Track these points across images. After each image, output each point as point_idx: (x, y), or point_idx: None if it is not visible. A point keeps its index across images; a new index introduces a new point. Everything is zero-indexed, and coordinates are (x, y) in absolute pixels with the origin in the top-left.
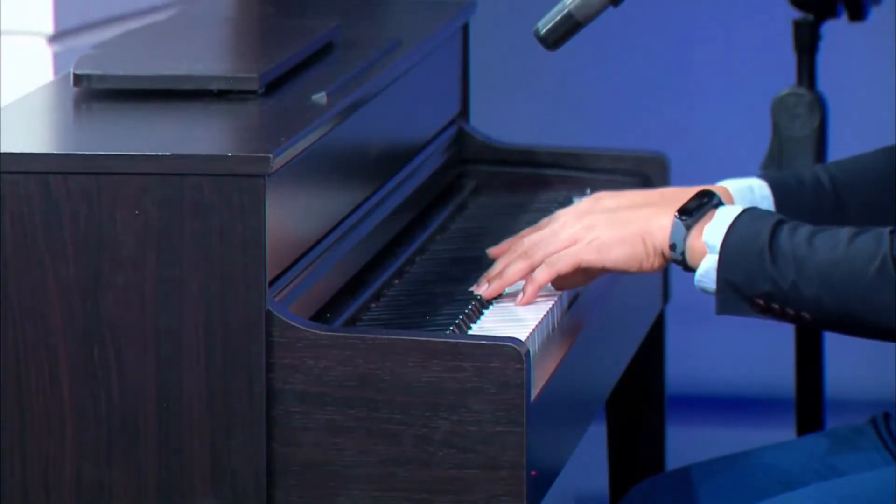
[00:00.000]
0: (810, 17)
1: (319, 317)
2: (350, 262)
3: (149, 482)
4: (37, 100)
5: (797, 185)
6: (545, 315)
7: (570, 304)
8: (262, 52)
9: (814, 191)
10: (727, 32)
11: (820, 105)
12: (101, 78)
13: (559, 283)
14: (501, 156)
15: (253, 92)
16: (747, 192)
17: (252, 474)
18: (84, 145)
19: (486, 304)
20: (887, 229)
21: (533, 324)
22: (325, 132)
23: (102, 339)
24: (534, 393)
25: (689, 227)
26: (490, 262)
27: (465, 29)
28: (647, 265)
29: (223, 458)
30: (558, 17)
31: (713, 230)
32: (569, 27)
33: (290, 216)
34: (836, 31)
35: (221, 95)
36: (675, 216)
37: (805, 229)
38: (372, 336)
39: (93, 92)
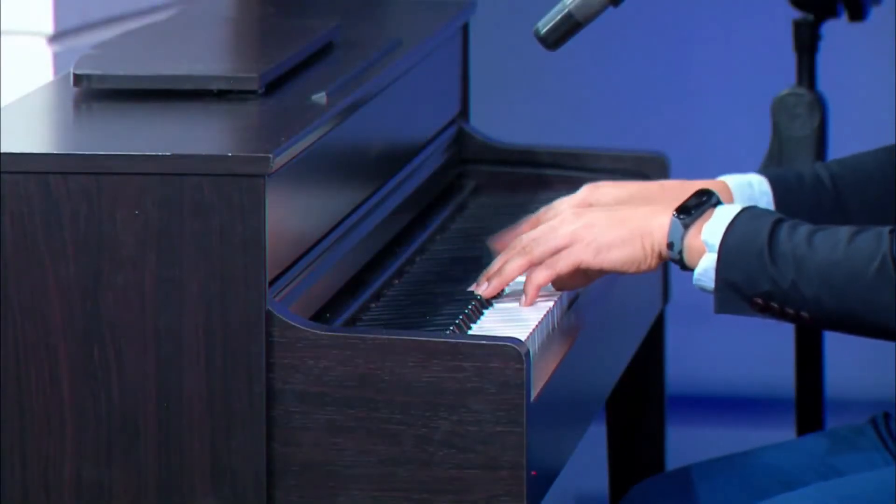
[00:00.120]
0: (810, 17)
1: (319, 317)
2: (350, 262)
3: (149, 482)
4: (37, 100)
5: (797, 183)
6: (545, 315)
7: (570, 304)
8: (262, 52)
9: (814, 188)
10: (727, 32)
11: (820, 105)
12: (101, 78)
13: (559, 284)
14: (501, 156)
15: (253, 92)
16: (746, 187)
17: (252, 474)
18: (84, 145)
19: (486, 304)
20: (887, 228)
21: (533, 324)
22: (325, 132)
23: (102, 339)
24: (534, 393)
25: (686, 226)
26: (490, 262)
27: (465, 29)
28: (644, 266)
29: (223, 458)
30: (558, 17)
31: (712, 229)
32: (569, 27)
33: (290, 216)
34: (836, 31)
35: (221, 95)
36: (674, 215)
37: (804, 228)
38: (372, 336)
39: (93, 92)
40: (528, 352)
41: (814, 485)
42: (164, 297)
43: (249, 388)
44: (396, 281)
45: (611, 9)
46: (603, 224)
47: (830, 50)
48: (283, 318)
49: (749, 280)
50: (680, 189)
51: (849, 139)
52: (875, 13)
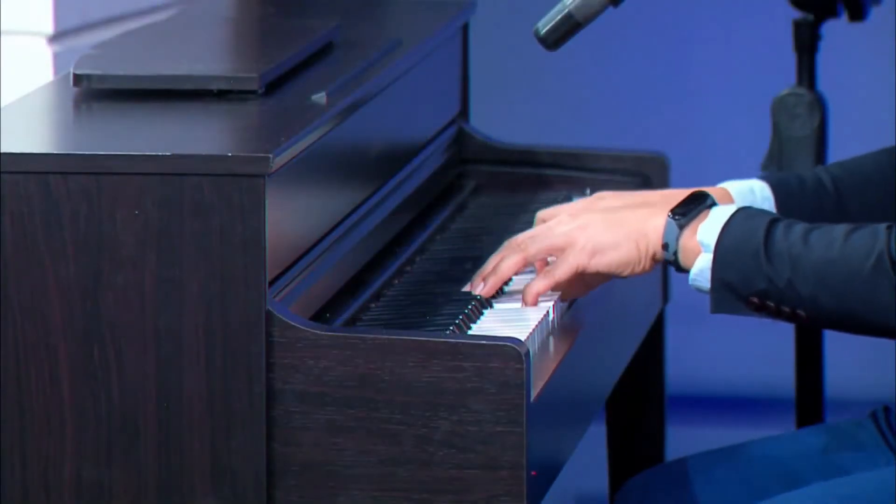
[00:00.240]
0: (810, 17)
1: (319, 317)
2: (350, 262)
3: (149, 482)
4: (37, 100)
5: (799, 187)
6: (545, 315)
7: (570, 304)
8: (262, 52)
9: (815, 192)
10: (727, 32)
11: (820, 105)
12: (101, 78)
13: (557, 291)
14: (501, 156)
15: (253, 92)
16: (748, 193)
17: (252, 474)
18: (84, 145)
19: (485, 304)
20: (883, 225)
21: (533, 324)
22: (325, 132)
23: (102, 339)
24: (534, 393)
25: (682, 227)
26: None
27: (465, 29)
28: (638, 269)
29: (223, 458)
30: (558, 18)
31: (707, 229)
32: (569, 27)
33: (290, 216)
34: (836, 31)
35: (221, 95)
36: (669, 216)
37: (800, 227)
38: (372, 336)
39: (93, 92)
40: (528, 352)
41: (814, 484)
42: (164, 297)
43: (249, 388)
44: (396, 281)
45: (611, 9)
46: (598, 226)
47: (830, 50)
48: (283, 318)
49: (745, 279)
50: (682, 197)
51: (849, 139)
52: (875, 13)
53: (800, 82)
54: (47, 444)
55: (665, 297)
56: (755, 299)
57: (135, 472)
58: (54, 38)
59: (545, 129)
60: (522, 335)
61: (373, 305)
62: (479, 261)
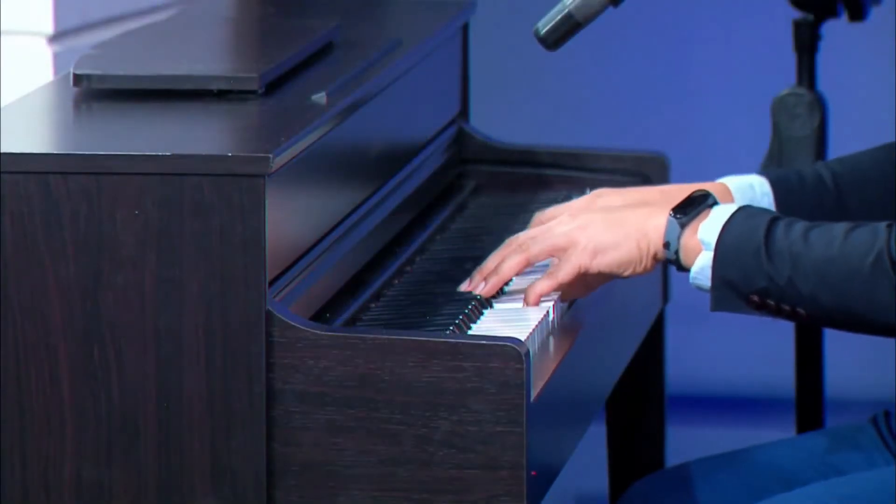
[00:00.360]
0: (810, 17)
1: (319, 317)
2: (350, 262)
3: (149, 482)
4: (37, 100)
5: (798, 183)
6: (545, 315)
7: (571, 304)
8: (262, 52)
9: (815, 188)
10: (727, 32)
11: (820, 105)
12: (101, 78)
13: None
14: (501, 156)
15: (253, 92)
16: (748, 189)
17: (252, 474)
18: (84, 145)
19: (485, 304)
20: (883, 224)
21: (533, 324)
22: (325, 132)
23: (102, 339)
24: (534, 393)
25: (683, 226)
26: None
27: (465, 29)
28: (639, 268)
29: (223, 458)
30: (558, 18)
31: (708, 228)
32: (569, 27)
33: (290, 216)
34: (836, 31)
35: (221, 95)
36: (670, 215)
37: (801, 225)
38: (372, 336)
39: (93, 92)
40: (528, 352)
41: (814, 484)
42: (164, 297)
43: (249, 388)
44: (396, 281)
45: (611, 9)
46: (599, 226)
47: (830, 50)
48: (283, 318)
49: (745, 277)
50: (680, 193)
51: (849, 139)
52: (875, 13)
53: (800, 82)
54: (47, 444)
55: (665, 297)
56: (755, 297)
57: (135, 472)
58: (54, 38)
59: (545, 129)
60: (522, 335)
61: (373, 305)
62: (479, 261)
